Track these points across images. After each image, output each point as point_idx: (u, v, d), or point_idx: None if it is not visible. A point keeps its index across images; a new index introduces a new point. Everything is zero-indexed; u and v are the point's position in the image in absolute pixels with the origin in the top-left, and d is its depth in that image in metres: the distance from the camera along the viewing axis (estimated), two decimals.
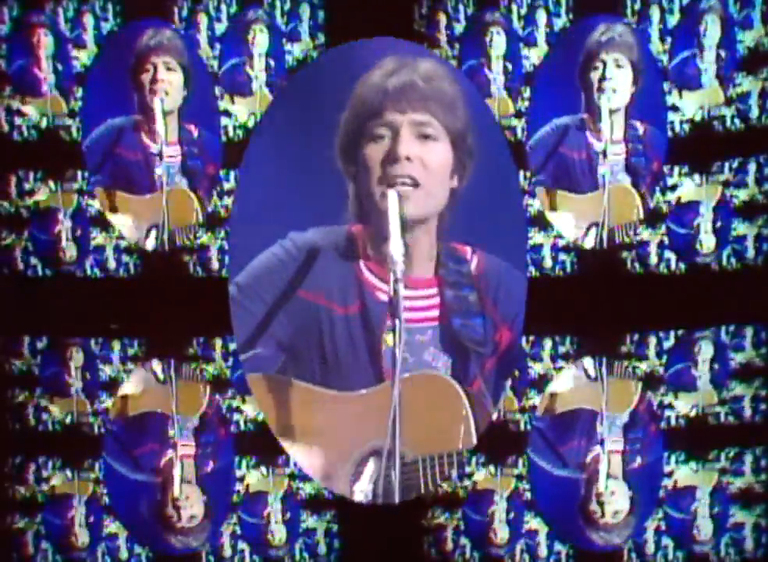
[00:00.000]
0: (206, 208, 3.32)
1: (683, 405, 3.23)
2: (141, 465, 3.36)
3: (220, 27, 3.27)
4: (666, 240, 3.21)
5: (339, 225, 3.01)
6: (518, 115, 3.21)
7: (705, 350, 3.23)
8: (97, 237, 3.33)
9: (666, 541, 3.27)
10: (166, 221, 3.33)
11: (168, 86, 3.34)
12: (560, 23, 3.20)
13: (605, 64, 3.19)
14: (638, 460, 3.27)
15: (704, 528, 3.26)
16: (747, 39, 3.16)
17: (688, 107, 3.22)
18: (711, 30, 3.19)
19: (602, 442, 3.26)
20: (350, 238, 2.99)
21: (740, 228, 3.21)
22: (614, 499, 3.25)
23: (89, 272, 3.34)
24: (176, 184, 3.33)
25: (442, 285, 2.97)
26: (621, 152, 3.24)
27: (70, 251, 3.34)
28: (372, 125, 2.87)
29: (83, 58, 3.32)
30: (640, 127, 3.23)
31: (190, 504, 3.33)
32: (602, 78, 3.20)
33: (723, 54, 3.18)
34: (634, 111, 3.22)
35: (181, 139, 3.36)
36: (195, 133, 3.35)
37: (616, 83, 3.21)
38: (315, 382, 2.92)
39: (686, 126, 3.19)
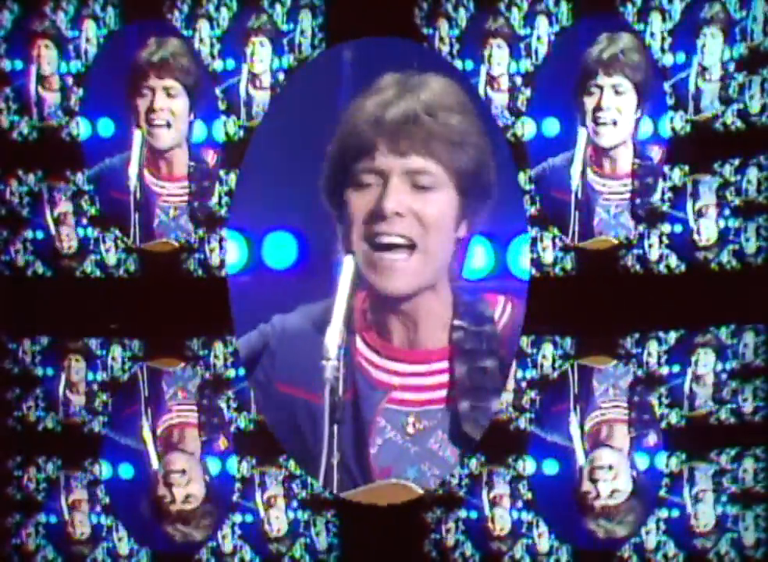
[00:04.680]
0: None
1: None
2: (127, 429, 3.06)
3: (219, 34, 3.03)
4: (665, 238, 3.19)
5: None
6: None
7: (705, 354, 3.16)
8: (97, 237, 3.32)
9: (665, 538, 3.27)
10: None
11: (170, 116, 2.96)
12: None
13: (602, 90, 2.90)
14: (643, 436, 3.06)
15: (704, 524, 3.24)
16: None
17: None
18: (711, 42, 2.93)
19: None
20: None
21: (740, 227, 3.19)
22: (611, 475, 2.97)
23: (88, 271, 3.33)
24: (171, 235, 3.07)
25: (454, 356, 2.42)
26: (625, 190, 2.98)
27: (70, 251, 3.32)
28: (359, 168, 2.35)
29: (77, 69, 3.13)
30: (649, 157, 2.97)
31: (186, 481, 3.00)
32: (598, 107, 2.91)
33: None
34: (639, 139, 2.95)
35: (191, 172, 3.00)
36: (212, 161, 3.02)
37: (615, 114, 2.91)
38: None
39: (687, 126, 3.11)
